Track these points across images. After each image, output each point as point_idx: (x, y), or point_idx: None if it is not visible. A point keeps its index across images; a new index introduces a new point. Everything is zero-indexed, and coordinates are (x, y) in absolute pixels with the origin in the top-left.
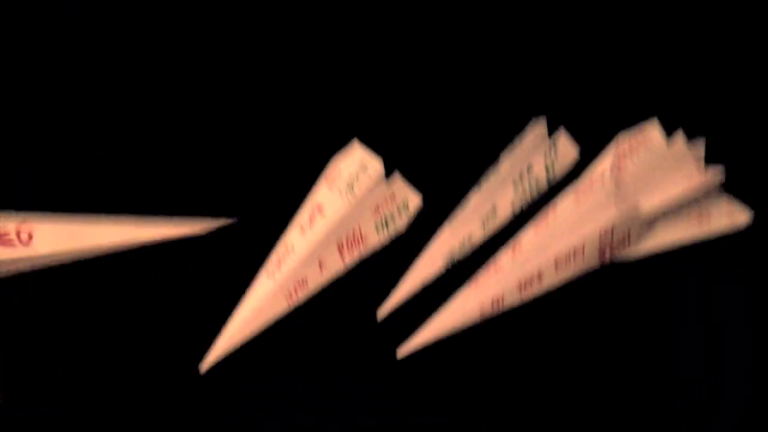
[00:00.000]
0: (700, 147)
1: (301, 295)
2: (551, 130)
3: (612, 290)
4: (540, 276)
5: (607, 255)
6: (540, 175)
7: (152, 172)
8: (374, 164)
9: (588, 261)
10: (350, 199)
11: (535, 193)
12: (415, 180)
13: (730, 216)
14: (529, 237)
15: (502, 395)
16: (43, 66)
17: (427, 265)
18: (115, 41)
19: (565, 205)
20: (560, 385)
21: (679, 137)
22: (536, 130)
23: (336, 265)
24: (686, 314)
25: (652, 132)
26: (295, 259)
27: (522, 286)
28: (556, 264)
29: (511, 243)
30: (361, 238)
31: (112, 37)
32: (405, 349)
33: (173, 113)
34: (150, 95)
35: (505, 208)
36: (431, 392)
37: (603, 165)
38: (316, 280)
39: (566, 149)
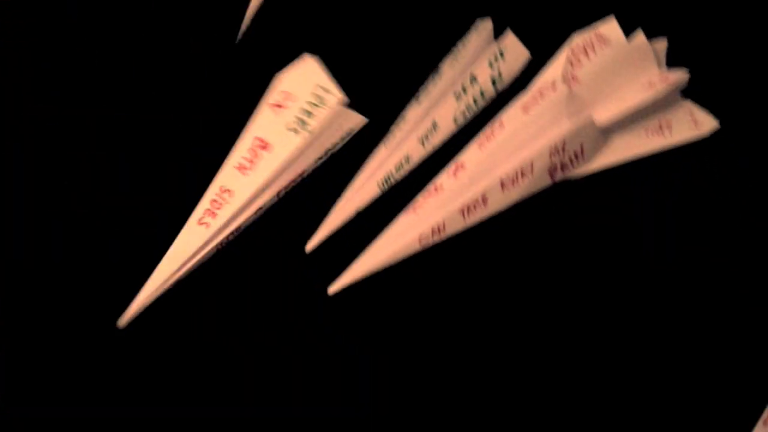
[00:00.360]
0: (661, 47)
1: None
2: (497, 33)
3: (563, 210)
4: (485, 199)
5: (559, 173)
6: (486, 85)
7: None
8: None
9: (537, 180)
10: (304, 135)
11: (481, 105)
12: (347, 92)
13: (693, 124)
14: (472, 155)
15: (444, 331)
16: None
17: (360, 189)
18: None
19: (512, 118)
20: (510, 317)
21: (639, 36)
22: (480, 33)
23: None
24: (645, 232)
25: (610, 31)
26: (234, 205)
27: (465, 210)
28: (503, 185)
29: (452, 163)
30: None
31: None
32: (336, 286)
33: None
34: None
35: (448, 124)
36: (366, 330)
37: (554, 71)
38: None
39: (515, 54)
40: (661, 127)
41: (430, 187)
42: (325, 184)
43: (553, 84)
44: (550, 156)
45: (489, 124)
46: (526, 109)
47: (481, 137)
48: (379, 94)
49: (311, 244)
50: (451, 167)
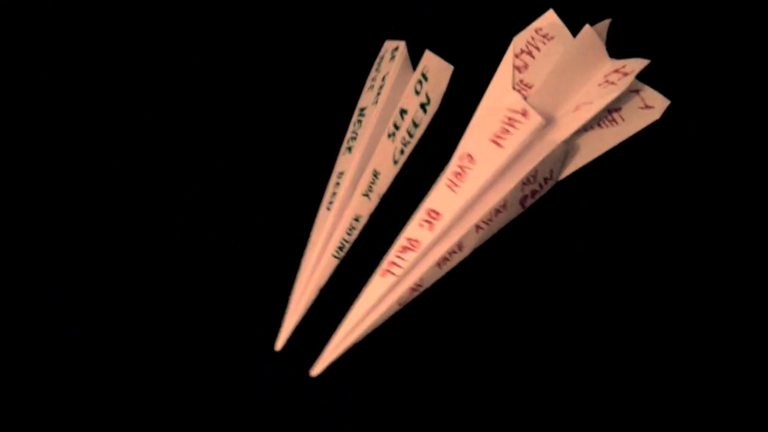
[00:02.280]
0: (602, 29)
1: None
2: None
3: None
4: (460, 246)
5: (529, 200)
6: (417, 114)
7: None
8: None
9: (510, 213)
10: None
11: (417, 135)
12: (269, 152)
13: (643, 104)
14: (446, 200)
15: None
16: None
17: (317, 266)
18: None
19: (481, 151)
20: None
21: (586, 29)
22: (394, 58)
23: None
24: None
25: (550, 24)
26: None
27: (442, 262)
28: (477, 228)
29: (424, 209)
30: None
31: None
32: (319, 367)
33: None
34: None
35: (388, 168)
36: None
37: (502, 81)
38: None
39: (438, 72)
40: (612, 117)
41: (403, 240)
42: (275, 258)
43: (523, 111)
44: (522, 189)
45: (455, 157)
46: (494, 140)
47: (449, 175)
48: (303, 144)
49: (280, 343)
50: (423, 215)
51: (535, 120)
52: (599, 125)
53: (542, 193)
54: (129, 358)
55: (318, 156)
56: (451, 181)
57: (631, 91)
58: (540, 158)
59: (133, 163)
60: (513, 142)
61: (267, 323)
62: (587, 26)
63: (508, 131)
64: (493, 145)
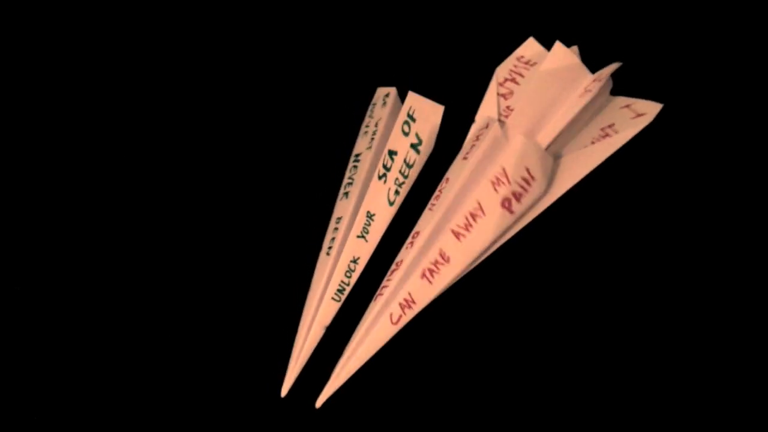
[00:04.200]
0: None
1: None
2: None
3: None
4: (444, 255)
5: (514, 203)
6: (409, 155)
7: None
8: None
9: (494, 219)
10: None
11: (412, 176)
12: (269, 202)
13: (635, 115)
14: (424, 220)
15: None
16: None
17: (318, 310)
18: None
19: (454, 170)
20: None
21: (557, 46)
22: (385, 103)
23: None
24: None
25: (531, 51)
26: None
27: (427, 273)
28: (457, 235)
29: (409, 236)
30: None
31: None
32: (323, 398)
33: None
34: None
35: (384, 209)
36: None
37: (487, 110)
38: None
39: (426, 112)
40: (605, 132)
41: (393, 266)
42: (277, 300)
43: (487, 123)
44: (495, 189)
45: (439, 184)
46: (465, 157)
47: (431, 200)
48: (302, 193)
49: (285, 389)
50: (408, 240)
51: (494, 128)
52: (592, 142)
53: (531, 197)
54: (128, 409)
55: (317, 203)
56: (431, 204)
57: (622, 108)
58: (504, 156)
59: (134, 202)
60: (476, 151)
61: (270, 371)
62: (557, 43)
63: (474, 146)
64: (463, 162)
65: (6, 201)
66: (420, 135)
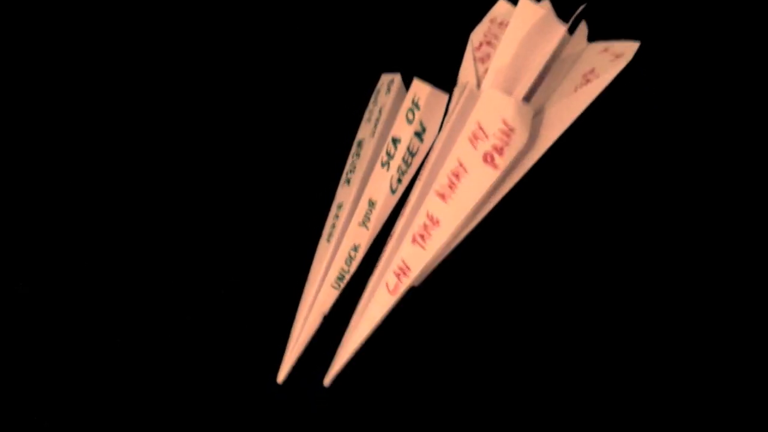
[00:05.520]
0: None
1: None
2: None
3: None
4: (432, 218)
5: (497, 157)
6: (412, 142)
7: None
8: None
9: (479, 176)
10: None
11: (415, 163)
12: (270, 187)
13: (614, 57)
14: (414, 190)
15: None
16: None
17: (317, 296)
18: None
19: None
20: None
21: (523, 2)
22: (389, 89)
23: None
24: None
25: (502, 11)
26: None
27: (418, 237)
28: (442, 195)
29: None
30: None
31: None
32: (331, 375)
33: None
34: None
35: (386, 197)
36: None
37: (466, 74)
38: None
39: (431, 100)
40: (586, 78)
41: (388, 238)
42: (276, 286)
43: (465, 88)
44: (472, 144)
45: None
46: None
47: (421, 171)
48: (304, 178)
49: (282, 375)
50: (401, 212)
51: (467, 88)
52: (575, 90)
53: (513, 149)
54: (128, 389)
55: (318, 189)
56: (420, 173)
57: (601, 52)
58: (477, 111)
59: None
60: (452, 114)
61: (268, 357)
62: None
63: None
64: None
65: (6, 201)
66: (424, 123)
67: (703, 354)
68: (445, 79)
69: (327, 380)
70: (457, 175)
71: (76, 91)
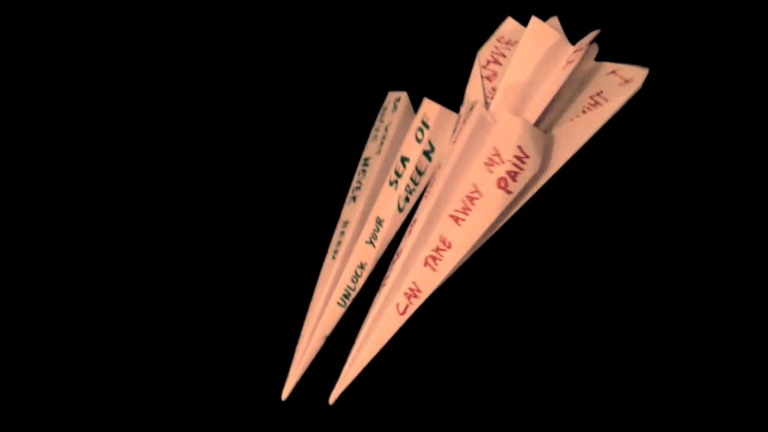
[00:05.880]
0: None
1: None
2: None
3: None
4: (445, 241)
5: (510, 183)
6: (421, 161)
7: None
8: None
9: (493, 200)
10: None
11: (423, 182)
12: (275, 203)
13: (623, 81)
14: (422, 208)
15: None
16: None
17: (322, 315)
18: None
19: (448, 157)
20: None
21: (534, 21)
22: (396, 107)
23: None
24: None
25: (510, 30)
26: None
27: (430, 260)
28: (455, 219)
29: (408, 227)
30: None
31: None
32: (336, 393)
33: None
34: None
35: (393, 215)
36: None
37: (473, 94)
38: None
39: (441, 119)
40: (594, 101)
41: (394, 257)
42: (281, 302)
43: (471, 107)
44: (490, 170)
45: (434, 173)
46: (453, 141)
47: (428, 188)
48: (309, 195)
49: (286, 393)
50: (407, 230)
51: (477, 108)
52: (584, 112)
53: (527, 175)
54: (128, 389)
55: (324, 206)
56: (427, 192)
57: (609, 74)
58: (494, 136)
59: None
60: (462, 134)
61: (272, 374)
62: (533, 18)
63: (460, 129)
64: (450, 146)
65: (6, 201)
66: (433, 142)
67: (716, 361)
68: (450, 96)
69: (332, 398)
70: (471, 200)
71: (77, 91)
